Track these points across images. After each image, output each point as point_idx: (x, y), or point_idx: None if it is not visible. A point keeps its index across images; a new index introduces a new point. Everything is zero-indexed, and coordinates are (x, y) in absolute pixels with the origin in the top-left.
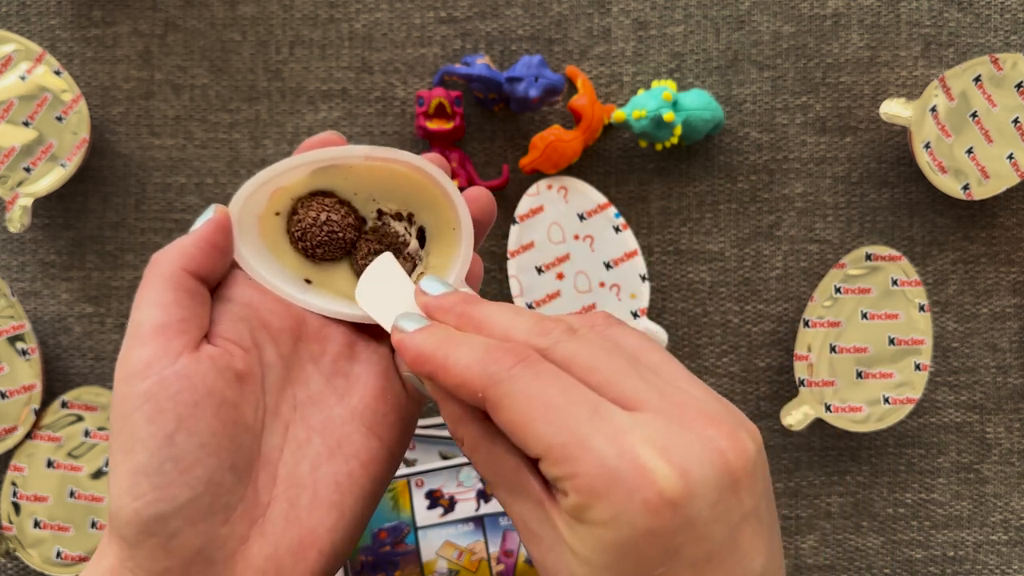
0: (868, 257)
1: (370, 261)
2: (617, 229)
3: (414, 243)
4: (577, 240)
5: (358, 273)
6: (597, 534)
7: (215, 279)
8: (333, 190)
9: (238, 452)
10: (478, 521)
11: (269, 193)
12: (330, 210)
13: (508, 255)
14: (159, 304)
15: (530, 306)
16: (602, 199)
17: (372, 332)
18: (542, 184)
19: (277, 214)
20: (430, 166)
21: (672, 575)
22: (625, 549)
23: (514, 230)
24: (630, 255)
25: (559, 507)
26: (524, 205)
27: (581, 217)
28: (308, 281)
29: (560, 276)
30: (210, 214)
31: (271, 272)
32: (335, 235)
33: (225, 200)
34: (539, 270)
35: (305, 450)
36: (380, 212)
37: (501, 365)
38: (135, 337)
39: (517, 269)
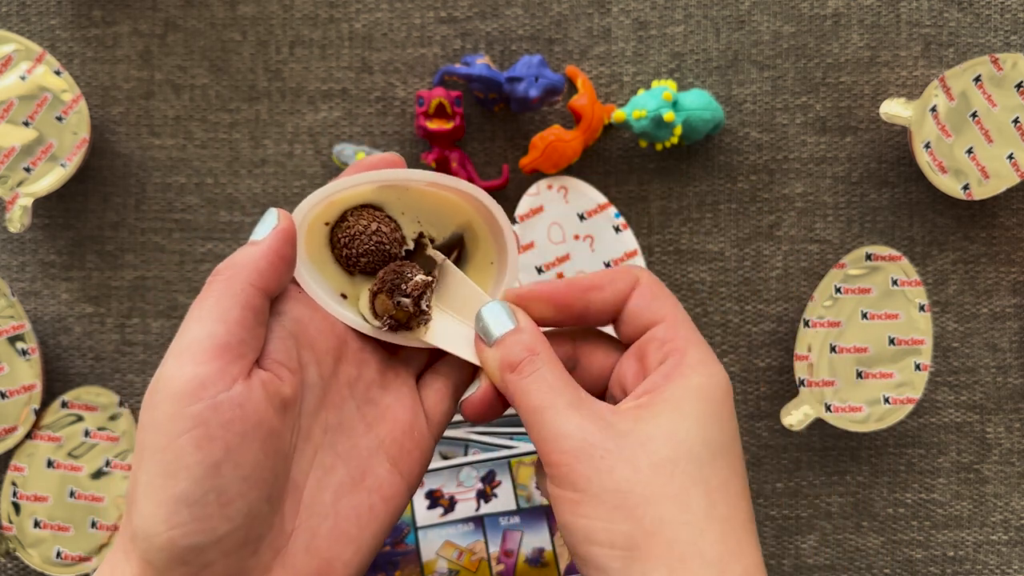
0: (868, 257)
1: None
2: (617, 229)
3: (423, 277)
4: (577, 240)
5: (384, 314)
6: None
7: (277, 294)
8: (383, 206)
9: (275, 483)
10: (478, 521)
11: (323, 205)
12: (380, 221)
13: None
14: (224, 321)
15: None
16: (602, 199)
17: (402, 360)
18: (542, 184)
19: (327, 224)
20: (490, 200)
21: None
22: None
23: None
24: (630, 255)
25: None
26: (524, 205)
27: (581, 217)
28: (344, 296)
29: (560, 276)
30: (274, 221)
31: (318, 284)
32: (382, 246)
33: (228, 200)
34: (539, 270)
35: (330, 477)
36: (420, 235)
37: (637, 268)
38: (191, 352)
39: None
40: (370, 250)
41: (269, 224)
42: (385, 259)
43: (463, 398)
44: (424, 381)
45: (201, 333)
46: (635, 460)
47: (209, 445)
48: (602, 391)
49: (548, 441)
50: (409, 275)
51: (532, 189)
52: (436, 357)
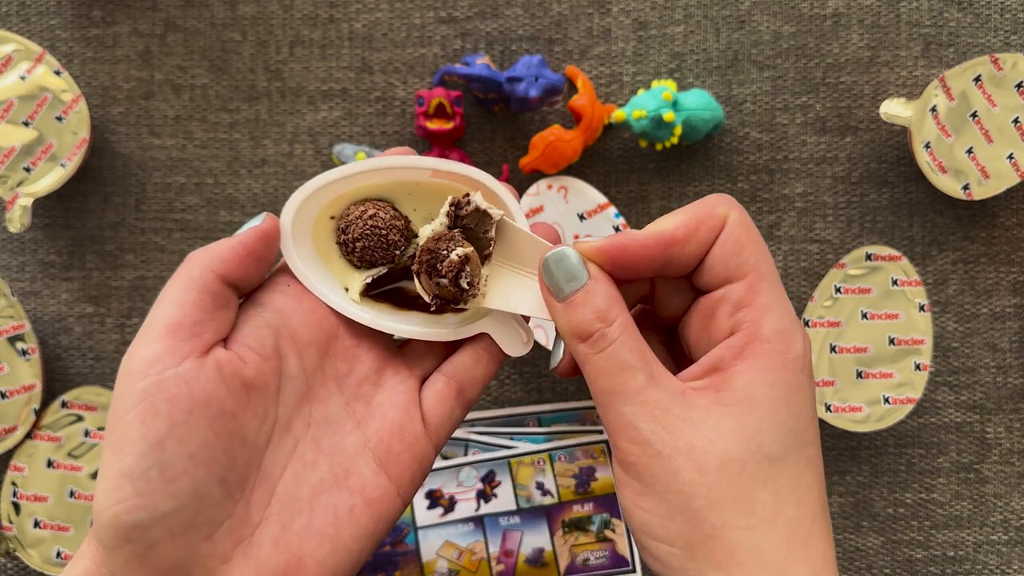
0: (868, 257)
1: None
2: (617, 229)
3: (461, 250)
4: (577, 240)
5: (433, 296)
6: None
7: (248, 286)
8: (394, 202)
9: (231, 466)
10: (478, 521)
11: (331, 198)
12: (380, 208)
13: None
14: (178, 303)
15: None
16: (602, 199)
17: (407, 358)
18: (542, 184)
19: (332, 217)
20: (497, 184)
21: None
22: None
23: None
24: None
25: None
26: (524, 205)
27: (581, 217)
28: (347, 289)
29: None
30: (257, 222)
31: (319, 277)
32: (378, 230)
33: (228, 200)
34: None
35: (309, 472)
36: (466, 196)
37: (722, 199)
38: (146, 333)
39: None
40: (365, 233)
41: (253, 223)
42: (383, 245)
43: (551, 367)
44: (427, 382)
45: (158, 315)
46: (702, 461)
47: (153, 420)
48: (672, 330)
49: (617, 426)
50: (445, 252)
51: (532, 189)
52: (450, 355)
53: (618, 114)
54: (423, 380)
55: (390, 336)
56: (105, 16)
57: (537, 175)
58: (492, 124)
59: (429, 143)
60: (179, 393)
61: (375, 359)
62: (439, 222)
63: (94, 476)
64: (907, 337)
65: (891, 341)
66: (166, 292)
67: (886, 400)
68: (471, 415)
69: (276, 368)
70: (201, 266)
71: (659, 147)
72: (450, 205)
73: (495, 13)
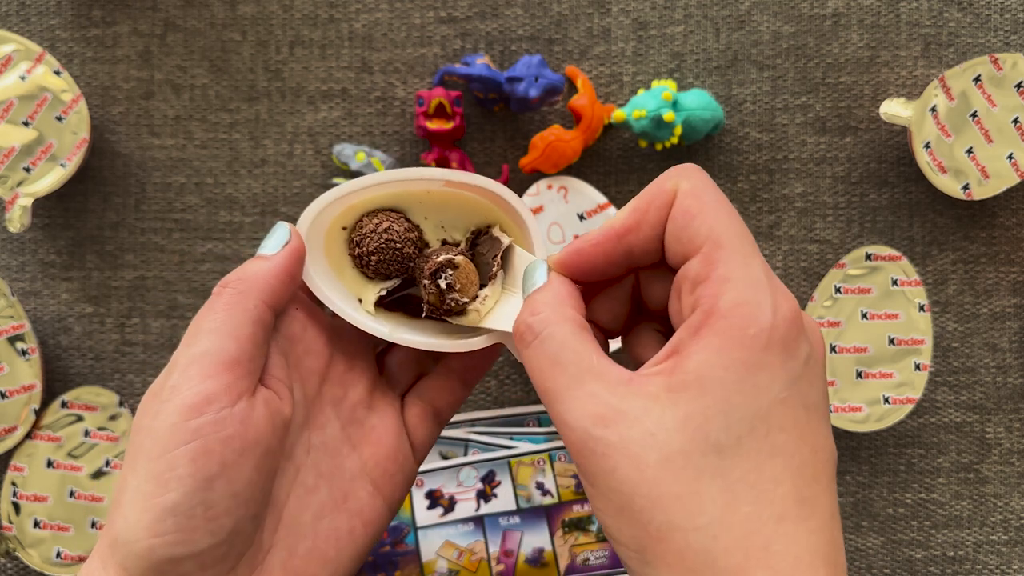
0: (868, 257)
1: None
2: None
3: (447, 256)
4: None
5: (425, 301)
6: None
7: (282, 312)
8: (404, 211)
9: (264, 500)
10: (478, 521)
11: (342, 209)
12: (393, 221)
13: None
14: (235, 337)
15: None
16: (602, 199)
17: (389, 380)
18: (542, 184)
19: (344, 228)
20: (509, 193)
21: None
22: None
23: None
24: None
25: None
26: None
27: (581, 217)
28: (361, 300)
29: None
30: (285, 236)
31: (333, 291)
32: (392, 244)
33: (228, 200)
34: None
35: (311, 497)
36: (444, 242)
37: (682, 169)
38: (200, 365)
39: None
40: (380, 247)
41: (280, 239)
42: (398, 258)
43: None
44: (406, 403)
45: (212, 347)
46: (641, 456)
47: (205, 459)
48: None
49: (557, 425)
50: (435, 257)
51: (532, 189)
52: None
53: (618, 114)
54: (402, 398)
55: (374, 359)
56: (105, 16)
57: (537, 175)
58: (492, 124)
59: (429, 143)
60: (234, 434)
61: (367, 382)
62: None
63: (94, 476)
64: (907, 337)
65: (891, 341)
66: (218, 320)
67: (886, 400)
68: (471, 415)
69: (291, 399)
70: (255, 298)
71: (659, 147)
72: (471, 233)
73: (495, 13)
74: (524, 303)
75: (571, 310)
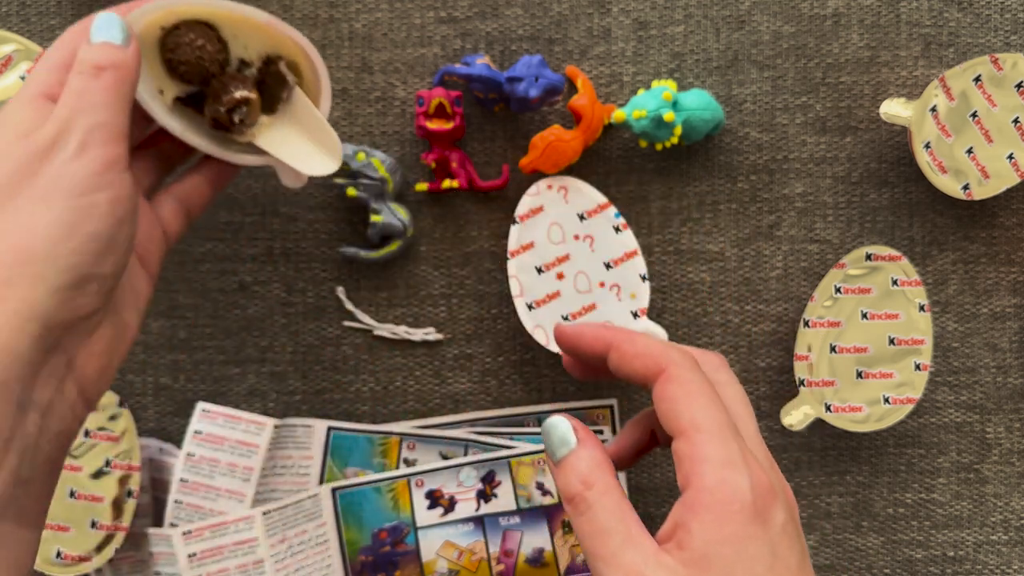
0: (868, 257)
1: (223, 105)
2: (617, 229)
3: (244, 93)
4: (577, 240)
5: (210, 117)
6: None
7: None
8: (218, 27)
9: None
10: (478, 521)
11: (164, 11)
12: (208, 40)
13: (508, 255)
14: (124, 115)
15: (530, 306)
16: (602, 199)
17: (137, 173)
18: (542, 184)
19: (162, 28)
20: (320, 62)
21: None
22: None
23: (514, 230)
24: (630, 255)
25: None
26: (524, 205)
27: (581, 217)
28: (161, 92)
29: (560, 276)
30: (122, 33)
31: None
32: (201, 62)
33: (228, 200)
34: (539, 270)
35: None
36: (242, 62)
37: (676, 352)
38: (105, 131)
39: (517, 269)
40: (190, 61)
41: (119, 33)
42: (202, 74)
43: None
44: (157, 200)
45: (110, 120)
46: None
47: (118, 205)
48: None
49: None
50: (232, 89)
51: (532, 189)
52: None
53: (618, 114)
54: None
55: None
56: None
57: (537, 175)
58: (492, 124)
59: (429, 143)
60: (132, 194)
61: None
62: (248, 70)
63: (94, 476)
64: (907, 337)
65: (891, 341)
66: (109, 98)
67: (886, 400)
68: (471, 415)
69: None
70: (131, 85)
71: (659, 147)
72: (263, 62)
73: (495, 13)
74: (564, 465)
75: (612, 478)
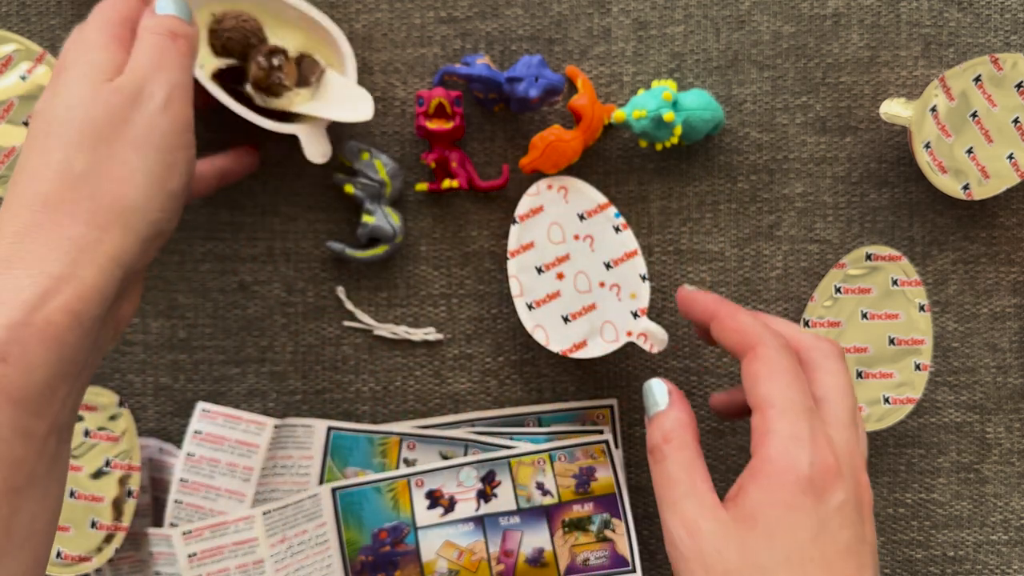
0: (868, 257)
1: (262, 70)
2: (617, 229)
3: (282, 45)
4: (577, 240)
5: (252, 76)
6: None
7: None
8: (261, 24)
9: None
10: (478, 521)
11: (216, 1)
12: (251, 20)
13: (508, 255)
14: (192, 90)
15: (530, 306)
16: (602, 199)
17: None
18: (542, 184)
19: (213, 14)
20: (347, 49)
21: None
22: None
23: (514, 230)
24: (630, 255)
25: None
26: (524, 205)
27: (581, 217)
28: (203, 66)
29: (560, 276)
30: (188, 11)
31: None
32: (245, 30)
33: (228, 200)
34: (539, 270)
35: None
36: (305, 55)
37: (768, 333)
38: (180, 103)
39: (517, 269)
40: (236, 28)
41: (183, 9)
42: (244, 42)
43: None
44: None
45: (185, 91)
46: (712, 568)
47: (192, 165)
48: None
49: (663, 524)
50: (269, 49)
51: (532, 189)
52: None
53: (618, 114)
54: None
55: None
56: None
57: (537, 175)
58: (492, 124)
59: (429, 143)
60: (195, 155)
61: None
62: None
63: (94, 476)
64: (907, 337)
65: (891, 341)
66: (187, 67)
67: (886, 400)
68: (471, 415)
69: None
70: (192, 58)
71: (659, 147)
72: (299, 53)
73: (495, 13)
74: (653, 421)
75: (690, 437)
